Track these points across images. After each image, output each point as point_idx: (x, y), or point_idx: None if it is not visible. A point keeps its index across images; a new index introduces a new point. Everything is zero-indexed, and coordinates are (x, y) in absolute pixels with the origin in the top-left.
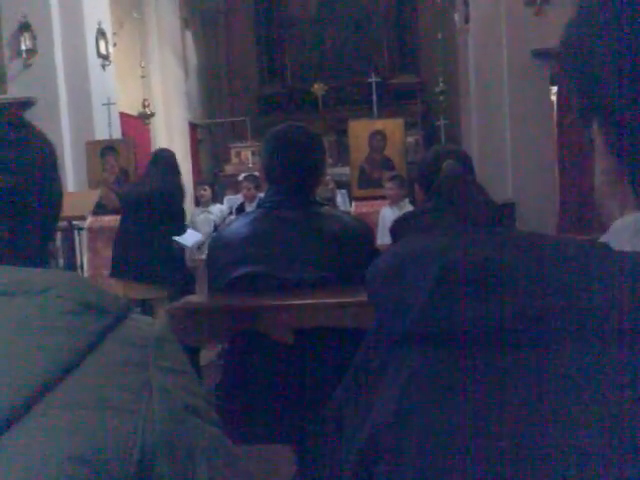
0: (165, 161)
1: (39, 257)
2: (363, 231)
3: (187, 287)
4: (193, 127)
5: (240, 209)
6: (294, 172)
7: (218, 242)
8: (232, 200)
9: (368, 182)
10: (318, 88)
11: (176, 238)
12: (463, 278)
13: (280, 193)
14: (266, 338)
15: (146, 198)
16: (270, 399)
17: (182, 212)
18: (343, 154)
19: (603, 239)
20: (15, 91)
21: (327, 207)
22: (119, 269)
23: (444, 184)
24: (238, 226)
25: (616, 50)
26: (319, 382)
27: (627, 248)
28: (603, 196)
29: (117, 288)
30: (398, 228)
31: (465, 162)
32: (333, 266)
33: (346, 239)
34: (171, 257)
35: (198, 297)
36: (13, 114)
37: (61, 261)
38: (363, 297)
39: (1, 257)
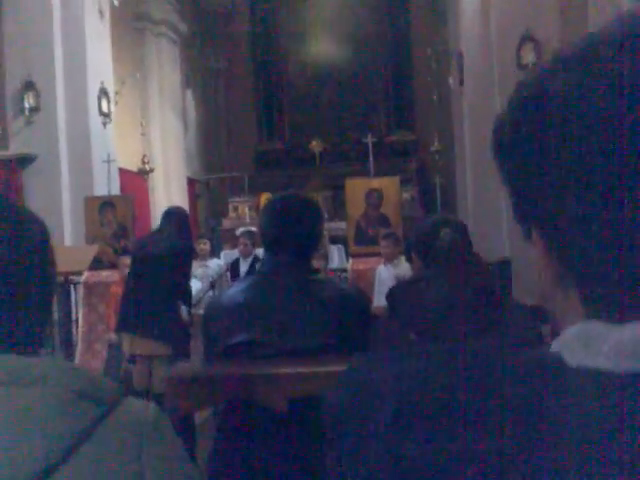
0: (178, 220)
1: (36, 342)
2: (359, 298)
3: (183, 344)
4: (191, 182)
5: (235, 265)
6: (291, 241)
7: (215, 308)
8: (228, 255)
9: (364, 239)
10: (315, 145)
11: None
12: (420, 413)
13: (277, 260)
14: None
15: (158, 256)
16: (265, 465)
17: (188, 275)
18: (340, 209)
19: (555, 346)
20: (17, 148)
21: (322, 274)
22: (127, 324)
23: (441, 252)
24: (235, 292)
25: (553, 156)
26: (312, 449)
27: (578, 361)
28: (548, 298)
29: (124, 343)
30: (395, 296)
31: (462, 231)
32: (328, 334)
33: (342, 306)
34: (177, 315)
35: (193, 364)
36: (11, 203)
37: (56, 315)
38: None
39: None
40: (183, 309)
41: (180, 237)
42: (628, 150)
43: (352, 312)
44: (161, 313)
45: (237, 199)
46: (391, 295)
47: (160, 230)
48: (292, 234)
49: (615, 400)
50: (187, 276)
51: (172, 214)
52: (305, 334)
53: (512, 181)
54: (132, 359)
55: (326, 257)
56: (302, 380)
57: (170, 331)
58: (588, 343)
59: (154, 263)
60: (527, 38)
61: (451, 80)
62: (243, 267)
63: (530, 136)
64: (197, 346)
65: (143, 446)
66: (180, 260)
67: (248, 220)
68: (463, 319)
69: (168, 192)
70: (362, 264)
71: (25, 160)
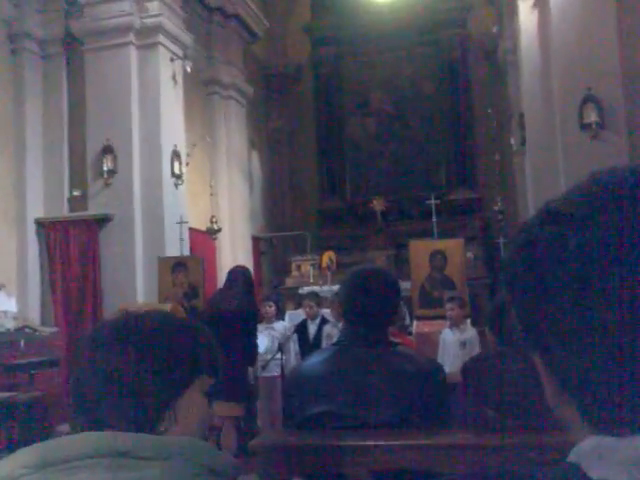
0: (243, 279)
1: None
2: (435, 372)
3: (251, 405)
4: (256, 240)
5: (302, 327)
6: (371, 315)
7: (296, 378)
8: (293, 315)
9: (429, 301)
10: (377, 203)
11: None
12: None
13: (355, 331)
14: (343, 476)
15: (229, 314)
16: None
17: (255, 331)
18: (403, 268)
19: (572, 459)
20: (95, 208)
21: (400, 346)
22: None
23: (513, 329)
24: (315, 362)
25: (540, 292)
26: None
27: (598, 474)
28: (553, 408)
29: None
30: (470, 371)
31: None
32: (405, 406)
33: (419, 380)
34: (246, 376)
35: (275, 434)
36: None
37: None
38: (435, 440)
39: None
40: (249, 371)
41: (248, 298)
42: (596, 290)
43: (428, 386)
44: (231, 374)
45: (299, 257)
46: (466, 370)
47: (229, 288)
48: (370, 307)
49: None
50: (253, 338)
51: (239, 273)
52: (382, 407)
53: (515, 307)
54: None
55: (403, 317)
56: (385, 453)
57: (241, 392)
58: (602, 457)
59: (225, 322)
60: (589, 98)
61: (512, 140)
62: (311, 329)
63: (523, 276)
64: (262, 408)
65: None
66: (247, 322)
67: (311, 279)
68: (541, 396)
69: (234, 250)
70: (427, 327)
71: (102, 220)
